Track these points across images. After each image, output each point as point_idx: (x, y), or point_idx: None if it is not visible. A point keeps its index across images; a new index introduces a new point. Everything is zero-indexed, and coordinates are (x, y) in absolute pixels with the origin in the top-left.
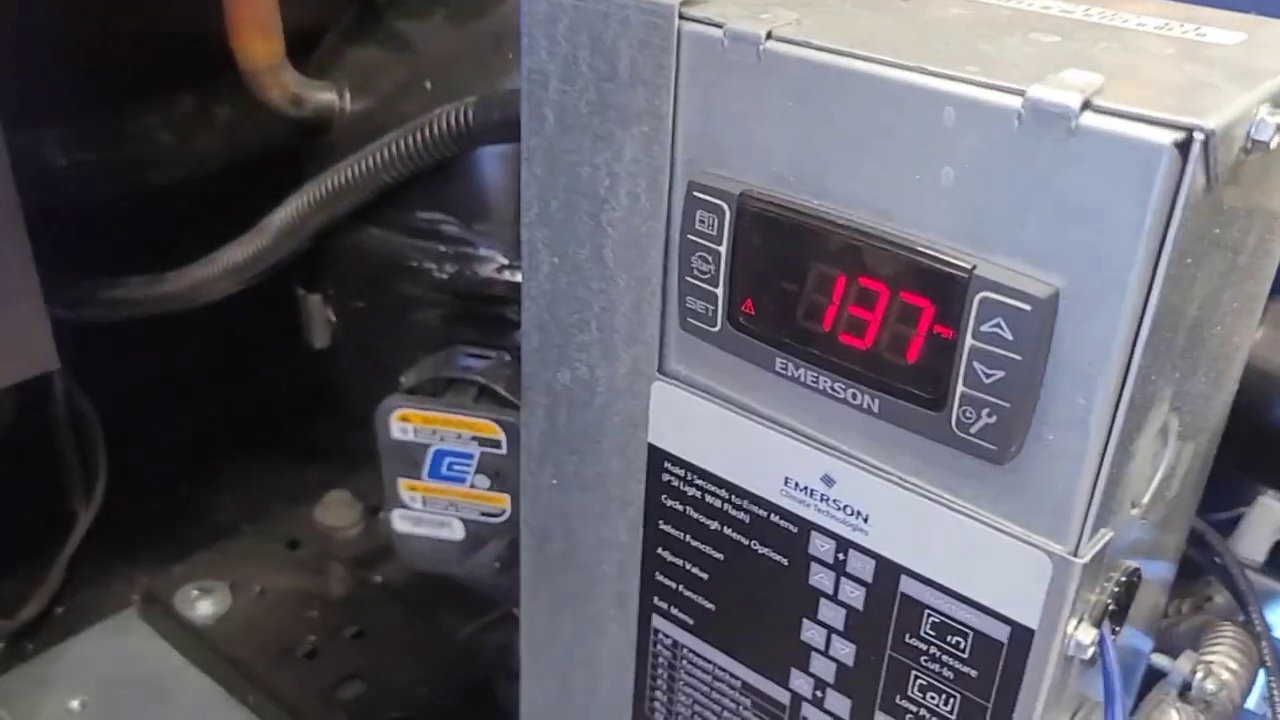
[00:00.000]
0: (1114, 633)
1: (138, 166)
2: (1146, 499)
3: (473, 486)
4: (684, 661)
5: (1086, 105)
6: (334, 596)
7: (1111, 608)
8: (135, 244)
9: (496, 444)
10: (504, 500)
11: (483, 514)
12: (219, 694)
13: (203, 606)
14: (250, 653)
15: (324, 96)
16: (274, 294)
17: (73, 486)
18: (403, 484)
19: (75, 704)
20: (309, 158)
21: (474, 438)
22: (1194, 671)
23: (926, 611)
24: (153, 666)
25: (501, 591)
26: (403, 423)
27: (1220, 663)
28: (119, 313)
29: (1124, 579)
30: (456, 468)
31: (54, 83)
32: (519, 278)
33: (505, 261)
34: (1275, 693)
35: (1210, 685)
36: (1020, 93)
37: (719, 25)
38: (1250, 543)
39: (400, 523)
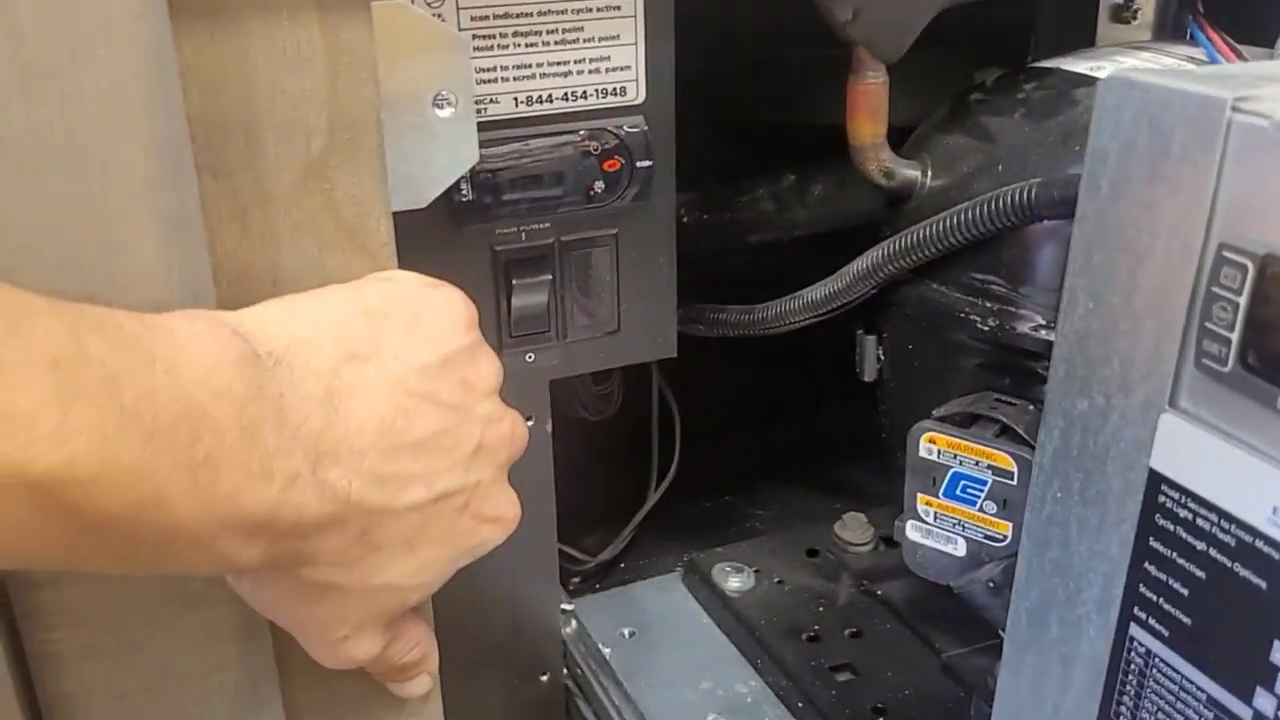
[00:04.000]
0: None
1: (742, 228)
2: None
3: (981, 510)
4: (1154, 670)
5: None
6: (840, 599)
7: None
8: (736, 287)
9: (1009, 475)
10: (1007, 527)
11: (986, 536)
12: (733, 652)
13: (732, 581)
14: (764, 625)
15: (910, 172)
16: (836, 349)
17: (650, 467)
18: (920, 498)
19: (625, 632)
20: (887, 222)
21: (990, 466)
22: None
23: None
24: (686, 619)
25: (989, 611)
26: (929, 444)
27: None
28: (717, 331)
29: None
30: (970, 491)
31: (698, 156)
32: (1052, 337)
33: (1042, 321)
34: None
35: None
36: None
37: (1267, 117)
38: None
39: (913, 532)
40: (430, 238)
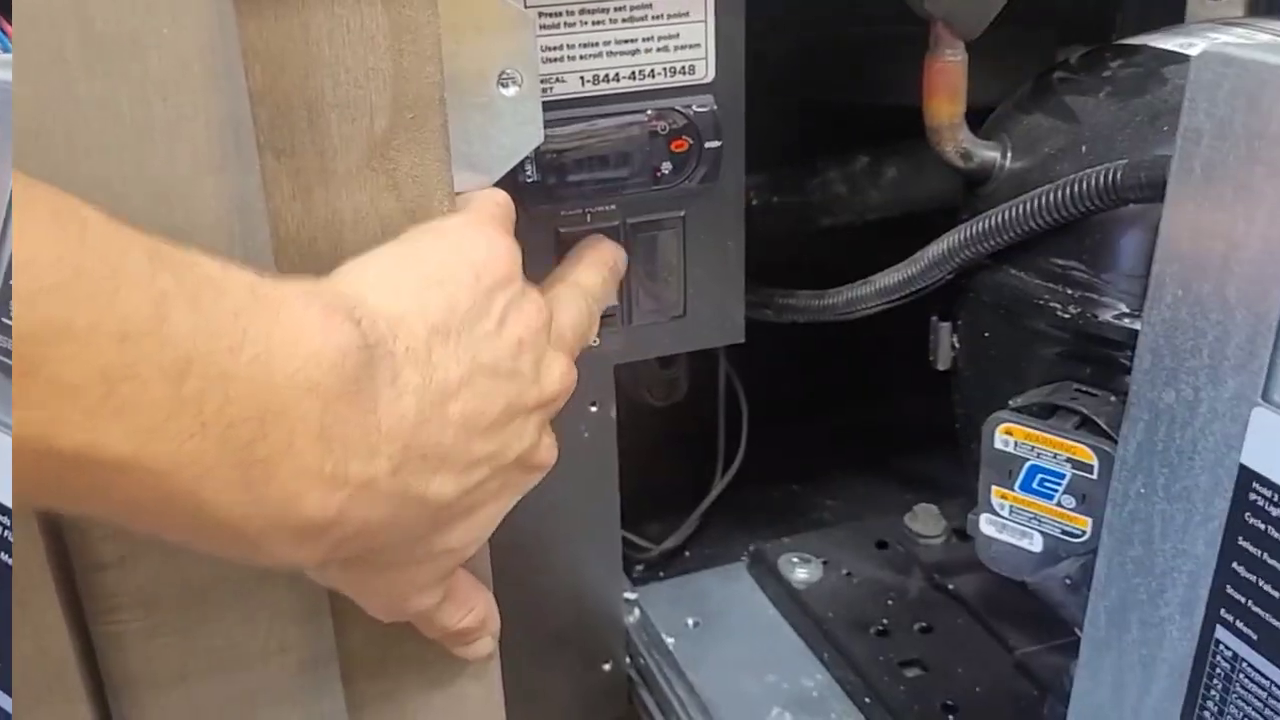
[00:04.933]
0: None
1: (813, 211)
2: None
3: (1059, 504)
4: (1241, 675)
5: None
6: (910, 592)
7: None
8: (805, 271)
9: (1089, 469)
10: (1086, 522)
11: (1063, 532)
12: (799, 645)
13: (799, 572)
14: (831, 618)
15: (989, 154)
16: (904, 336)
17: (717, 455)
18: (995, 491)
19: (689, 621)
20: (965, 206)
21: (1068, 459)
22: None
23: None
24: (751, 610)
25: (1065, 610)
26: (1006, 435)
27: None
28: (786, 316)
29: None
30: (1047, 484)
31: (767, 137)
32: (1137, 325)
33: (1126, 309)
34: None
35: None
36: None
37: None
38: None
39: (987, 526)
40: None
